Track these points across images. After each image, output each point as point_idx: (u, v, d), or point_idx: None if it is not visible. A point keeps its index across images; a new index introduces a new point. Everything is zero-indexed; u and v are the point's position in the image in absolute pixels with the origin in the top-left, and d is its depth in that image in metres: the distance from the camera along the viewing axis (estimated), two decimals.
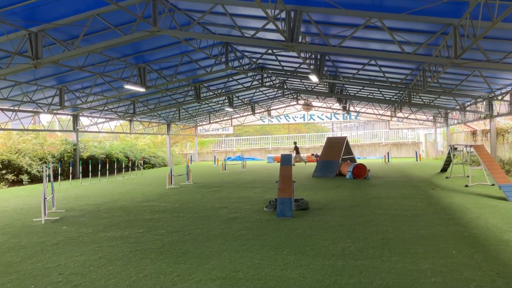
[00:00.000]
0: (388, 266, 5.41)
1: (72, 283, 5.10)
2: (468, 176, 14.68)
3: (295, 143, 32.78)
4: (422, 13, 9.10)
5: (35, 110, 20.69)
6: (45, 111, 20.52)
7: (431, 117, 34.26)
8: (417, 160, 31.07)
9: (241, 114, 39.11)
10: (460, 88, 18.19)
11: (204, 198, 12.89)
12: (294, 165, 29.67)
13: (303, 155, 33.07)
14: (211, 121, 38.67)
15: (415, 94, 21.65)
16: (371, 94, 25.57)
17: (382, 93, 24.54)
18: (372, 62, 15.52)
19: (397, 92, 23.24)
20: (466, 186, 13.69)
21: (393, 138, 39.82)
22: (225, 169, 25.63)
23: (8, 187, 19.02)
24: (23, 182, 19.94)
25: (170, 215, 9.81)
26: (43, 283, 5.12)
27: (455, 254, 5.86)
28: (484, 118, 22.08)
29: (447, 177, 16.98)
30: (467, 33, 8.93)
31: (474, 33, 8.61)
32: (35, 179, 20.63)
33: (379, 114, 36.05)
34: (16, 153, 20.83)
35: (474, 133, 27.31)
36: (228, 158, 36.68)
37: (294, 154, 30.86)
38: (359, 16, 10.02)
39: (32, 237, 7.81)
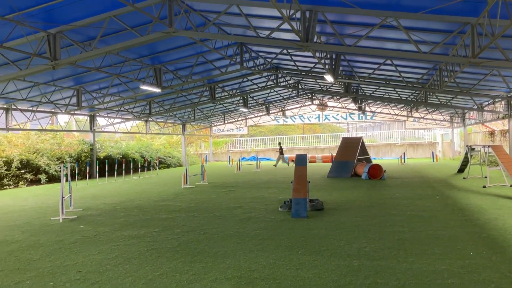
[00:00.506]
0: (404, 266, 5.38)
1: (89, 281, 5.18)
2: (486, 177, 14.48)
3: (279, 143, 33.02)
4: (439, 12, 9.01)
5: (53, 110, 21.02)
6: (63, 111, 20.84)
7: (448, 117, 33.84)
8: (433, 161, 30.72)
9: (256, 115, 39.11)
10: (478, 87, 17.94)
11: (219, 198, 12.94)
12: (276, 166, 30.03)
13: (287, 156, 32.88)
14: (226, 122, 38.76)
15: (431, 94, 21.42)
16: (387, 94, 25.37)
17: (398, 93, 24.33)
18: (388, 61, 15.41)
19: (413, 92, 23.02)
20: (484, 187, 13.50)
21: (409, 138, 39.44)
22: (239, 169, 25.68)
23: (26, 186, 19.35)
24: (41, 182, 20.26)
25: (185, 215, 9.88)
26: (61, 281, 5.20)
27: (472, 256, 5.79)
28: (503, 118, 21.74)
29: (464, 178, 16.76)
30: (485, 31, 8.82)
31: (492, 31, 8.48)
32: (53, 179, 20.94)
33: (395, 114, 35.71)
34: (34, 153, 21.17)
35: (492, 133, 26.92)
36: (243, 159, 36.74)
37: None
38: (375, 16, 9.95)
39: (51, 236, 7.94)
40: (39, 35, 11.02)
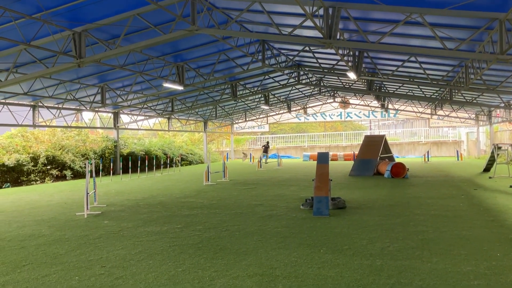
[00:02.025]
0: (428, 267, 5.29)
1: (113, 275, 5.26)
2: None
3: (267, 142, 34.03)
4: (465, 7, 8.80)
5: (78, 107, 21.42)
6: (87, 108, 21.21)
7: (473, 115, 33.13)
8: (458, 159, 30.15)
9: (277, 112, 39.04)
10: (505, 85, 17.48)
11: (240, 195, 12.98)
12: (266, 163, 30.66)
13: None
14: (247, 119, 38.83)
15: (456, 91, 20.98)
16: (410, 91, 24.98)
17: (422, 90, 23.92)
18: (412, 58, 15.16)
19: (437, 89, 22.60)
20: (511, 186, 13.18)
21: (433, 137, 38.82)
22: (260, 167, 25.70)
23: (52, 182, 19.78)
24: (67, 177, 20.69)
25: (207, 211, 9.94)
26: (86, 275, 5.30)
27: (500, 257, 5.66)
28: None
29: (490, 177, 16.41)
30: None
31: None
32: (78, 175, 21.35)
33: (419, 112, 35.15)
34: (60, 149, 21.62)
35: None
36: (264, 156, 36.72)
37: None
38: (399, 12, 9.79)
39: (76, 231, 8.09)
40: (65, 34, 11.22)
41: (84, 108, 21.22)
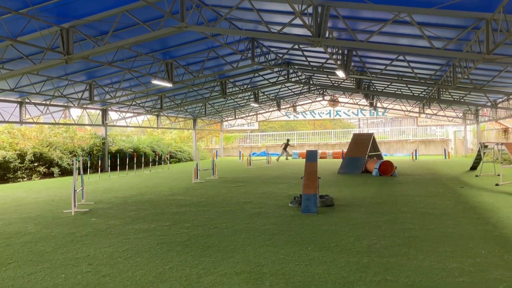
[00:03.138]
0: (414, 264, 5.35)
1: (100, 273, 5.23)
2: (499, 175, 14.32)
3: (288, 139, 34.43)
4: (453, 7, 8.88)
5: (66, 104, 21.23)
6: (75, 105, 21.04)
7: (461, 114, 33.47)
8: (445, 158, 30.46)
9: (267, 110, 39.07)
10: (492, 84, 17.69)
11: (229, 192, 12.98)
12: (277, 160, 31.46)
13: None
14: (237, 117, 38.80)
15: (444, 90, 21.18)
16: (399, 90, 25.15)
17: (410, 89, 24.10)
18: (401, 57, 15.26)
19: (425, 88, 22.78)
20: (497, 185, 13.35)
21: (421, 135, 39.15)
22: (250, 165, 25.71)
23: (40, 179, 19.59)
24: (54, 175, 20.51)
25: (195, 209, 9.93)
26: (73, 273, 5.27)
27: (484, 254, 5.74)
28: None
29: (476, 176, 16.60)
30: (500, 27, 8.68)
31: (507, 27, 8.37)
32: (66, 172, 21.17)
33: (407, 111, 35.42)
34: (47, 146, 21.42)
35: (506, 130, 26.59)
36: (253, 154, 36.76)
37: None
38: (388, 11, 9.86)
39: (63, 228, 8.03)
40: (53, 30, 11.10)
41: (72, 105, 21.04)
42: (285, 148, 32.66)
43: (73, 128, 25.05)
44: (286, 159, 32.83)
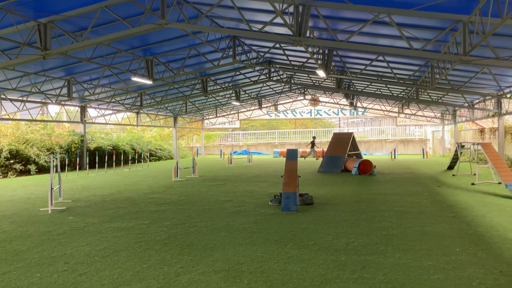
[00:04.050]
0: (391, 262, 5.42)
1: (77, 272, 5.16)
2: (475, 174, 14.61)
3: (314, 137, 33.11)
4: (432, 8, 9.04)
5: (44, 101, 20.84)
6: (53, 102, 20.67)
7: (439, 114, 34.07)
8: (424, 157, 30.93)
9: (248, 108, 39.11)
10: (469, 85, 18.06)
11: (209, 191, 12.94)
12: (305, 158, 30.94)
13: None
14: (218, 115, 38.71)
15: (423, 90, 21.53)
16: (378, 90, 25.47)
17: (390, 89, 24.43)
18: (380, 58, 15.45)
19: (404, 88, 23.12)
20: (473, 184, 13.62)
21: (400, 135, 39.69)
22: (231, 163, 25.68)
23: (16, 176, 19.21)
24: (31, 172, 20.13)
25: (175, 207, 9.87)
26: (48, 272, 5.18)
27: (459, 252, 5.85)
28: (493, 116, 21.95)
29: (453, 175, 16.91)
30: (476, 29, 8.87)
31: (483, 30, 8.54)
32: (43, 169, 20.80)
33: (386, 111, 35.90)
34: (24, 143, 21.01)
35: (482, 131, 27.14)
36: (234, 152, 36.73)
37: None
38: (368, 11, 9.97)
39: (39, 226, 7.89)
40: (30, 25, 10.90)
41: (50, 101, 20.67)
42: (312, 146, 31.45)
43: (51, 125, 24.62)
44: (316, 159, 30.53)
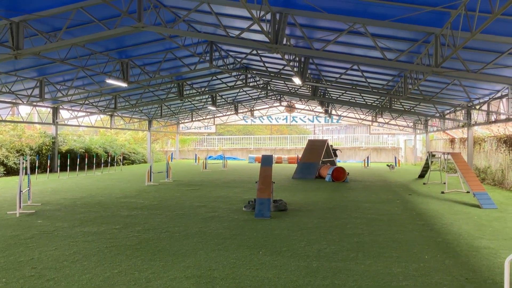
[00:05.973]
0: (361, 268, 5.50)
1: (44, 277, 5.05)
2: (444, 183, 14.95)
3: (331, 146, 29.23)
4: (405, 21, 9.25)
5: (14, 101, 20.32)
6: (24, 102, 20.18)
7: (411, 124, 34.75)
8: (396, 165, 31.44)
9: (224, 114, 39.07)
10: (440, 96, 18.51)
11: (183, 196, 12.85)
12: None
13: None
14: (194, 119, 38.51)
15: (396, 100, 21.96)
16: (353, 98, 25.81)
17: (364, 98, 24.79)
18: (355, 67, 15.68)
19: (378, 97, 23.50)
20: (442, 192, 13.94)
21: (373, 143, 40.30)
22: (205, 168, 25.56)
23: None
24: None
25: (147, 212, 9.77)
26: (15, 277, 5.05)
27: (427, 259, 5.98)
28: (462, 126, 22.50)
29: (424, 183, 17.25)
30: (447, 42, 9.11)
31: (454, 43, 8.78)
32: (11, 171, 20.26)
33: (360, 119, 36.42)
34: None
35: (452, 140, 27.80)
36: (209, 157, 36.57)
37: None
38: (343, 21, 10.11)
39: (6, 230, 7.69)
40: (1, 23, 10.65)
41: (21, 102, 20.17)
42: (335, 154, 28.61)
43: (21, 126, 24.03)
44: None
